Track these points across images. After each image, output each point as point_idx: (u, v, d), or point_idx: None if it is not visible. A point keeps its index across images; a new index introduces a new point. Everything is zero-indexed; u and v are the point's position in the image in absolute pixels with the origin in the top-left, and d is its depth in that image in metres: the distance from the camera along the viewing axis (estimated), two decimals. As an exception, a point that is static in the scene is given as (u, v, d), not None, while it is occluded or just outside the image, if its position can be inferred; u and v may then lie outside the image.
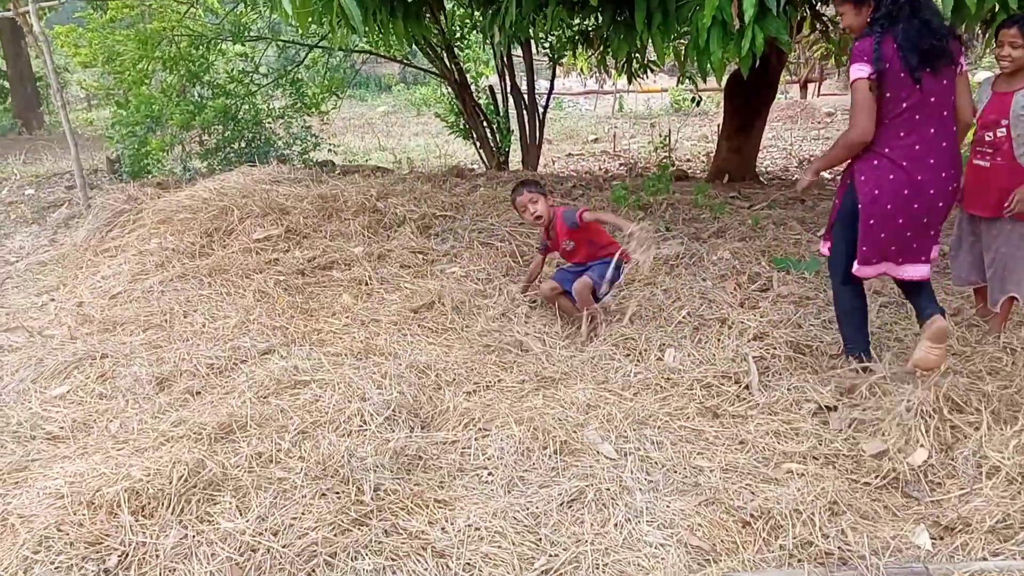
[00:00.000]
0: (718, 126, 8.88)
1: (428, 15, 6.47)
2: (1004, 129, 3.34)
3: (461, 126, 8.79)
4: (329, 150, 9.16)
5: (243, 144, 8.15)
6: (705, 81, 5.83)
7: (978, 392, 3.06)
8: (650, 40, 4.55)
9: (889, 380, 3.11)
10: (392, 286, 4.39)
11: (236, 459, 2.68)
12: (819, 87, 19.30)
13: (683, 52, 4.88)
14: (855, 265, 3.08)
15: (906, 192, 2.92)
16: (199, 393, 3.28)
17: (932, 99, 2.88)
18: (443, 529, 2.38)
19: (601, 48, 6.91)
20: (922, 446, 2.81)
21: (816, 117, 15.57)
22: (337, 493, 2.49)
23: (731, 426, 3.00)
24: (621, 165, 10.75)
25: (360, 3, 4.44)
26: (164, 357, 3.61)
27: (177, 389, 3.32)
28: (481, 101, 8.68)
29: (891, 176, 2.92)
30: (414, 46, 8.20)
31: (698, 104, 9.11)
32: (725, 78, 7.22)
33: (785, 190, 6.87)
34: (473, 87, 8.75)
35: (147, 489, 2.48)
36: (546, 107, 8.76)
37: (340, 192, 5.58)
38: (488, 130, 8.45)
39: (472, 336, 3.78)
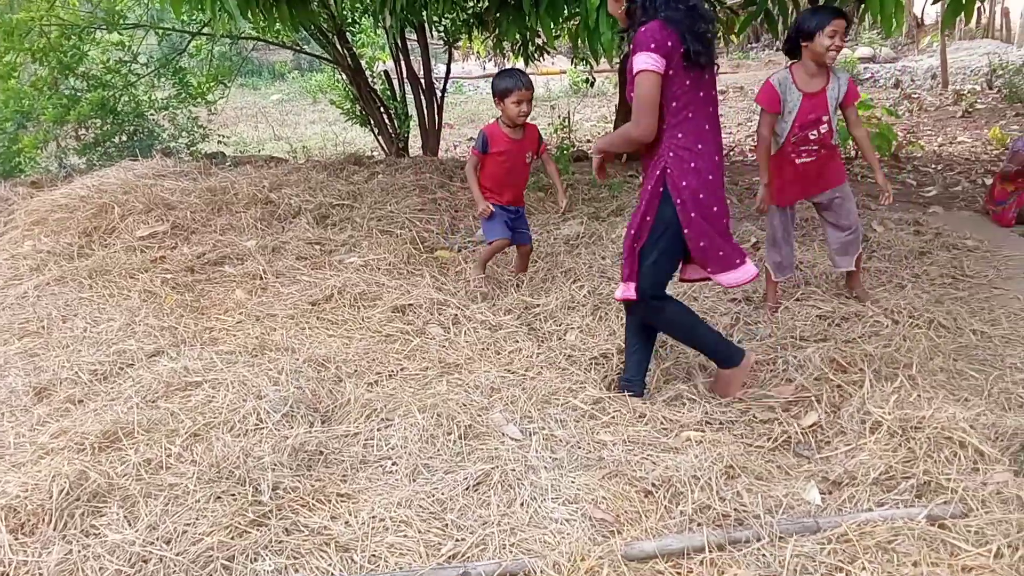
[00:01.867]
0: (615, 106, 9.01)
1: (315, 0, 6.28)
2: (826, 124, 3.55)
3: (357, 113, 8.60)
4: (219, 141, 8.81)
5: (124, 138, 7.74)
6: (599, 62, 5.89)
7: (861, 352, 3.23)
8: (540, 22, 4.55)
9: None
10: (288, 279, 4.25)
11: (123, 468, 2.54)
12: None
13: (574, 33, 4.92)
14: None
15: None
16: (81, 401, 3.09)
17: (706, 95, 2.68)
18: (346, 523, 2.33)
19: (495, 31, 6.88)
20: (812, 409, 2.95)
21: (709, 96, 16.01)
22: (233, 495, 2.40)
23: (632, 400, 3.04)
24: (522, 148, 10.77)
25: (239, -13, 4.26)
26: (42, 366, 3.38)
27: (57, 399, 3.12)
28: (377, 87, 8.52)
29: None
30: (304, 32, 7.97)
31: (592, 86, 9.21)
32: (618, 59, 7.32)
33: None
34: (368, 73, 8.57)
35: (25, 505, 2.32)
36: (443, 91, 8.67)
37: (231, 184, 5.38)
38: (385, 116, 8.30)
39: (373, 326, 3.71)
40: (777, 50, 22.17)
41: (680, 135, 2.66)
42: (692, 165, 2.67)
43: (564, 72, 17.49)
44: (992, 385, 3.04)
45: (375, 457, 2.68)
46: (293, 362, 3.19)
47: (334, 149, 10.78)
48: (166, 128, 8.20)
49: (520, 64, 9.03)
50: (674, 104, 2.63)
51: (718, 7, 6.31)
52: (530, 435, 2.79)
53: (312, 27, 7.45)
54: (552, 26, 4.75)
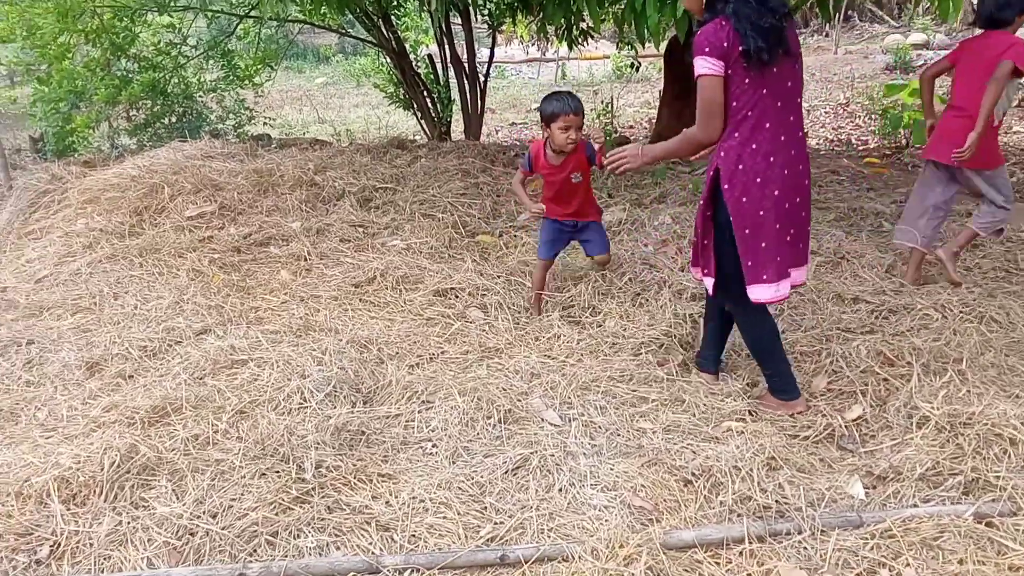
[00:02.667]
0: (659, 92, 8.89)
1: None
2: None
3: (401, 96, 8.62)
4: (265, 123, 8.91)
5: (173, 119, 7.87)
6: (644, 47, 5.82)
7: (909, 346, 3.16)
8: (585, 6, 4.50)
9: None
10: (332, 261, 4.30)
11: (171, 443, 2.61)
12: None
13: (620, 17, 4.86)
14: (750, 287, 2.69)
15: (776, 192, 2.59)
16: (131, 377, 3.18)
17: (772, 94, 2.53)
18: (387, 503, 2.36)
19: (539, 15, 6.83)
20: (857, 402, 2.90)
21: (755, 82, 15.73)
22: (277, 472, 2.45)
23: (673, 387, 3.03)
24: (564, 133, 10.71)
25: (287, -31, 4.29)
26: (94, 341, 3.48)
27: (108, 373, 3.21)
28: (420, 71, 8.52)
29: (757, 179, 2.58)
30: (350, 15, 7.99)
31: (637, 70, 9.10)
32: (664, 43, 7.22)
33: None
34: (412, 56, 8.58)
35: (77, 477, 2.40)
36: (487, 76, 8.64)
37: (276, 166, 5.44)
38: (428, 100, 8.30)
39: (415, 309, 3.74)
40: (826, 35, 21.66)
41: (737, 134, 2.56)
42: (740, 167, 2.57)
43: (607, 57, 17.31)
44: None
45: (416, 439, 2.71)
46: (336, 343, 3.24)
47: (377, 133, 10.84)
48: (214, 110, 8.31)
49: (564, 49, 8.97)
50: (734, 104, 2.53)
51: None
52: (569, 421, 2.80)
53: (358, 10, 7.47)
54: (598, 10, 4.70)
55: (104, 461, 2.45)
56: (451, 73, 8.39)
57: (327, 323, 3.57)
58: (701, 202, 2.76)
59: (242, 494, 2.36)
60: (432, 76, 8.45)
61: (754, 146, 2.55)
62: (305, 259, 4.35)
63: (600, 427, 2.77)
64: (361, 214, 4.84)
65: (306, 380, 2.92)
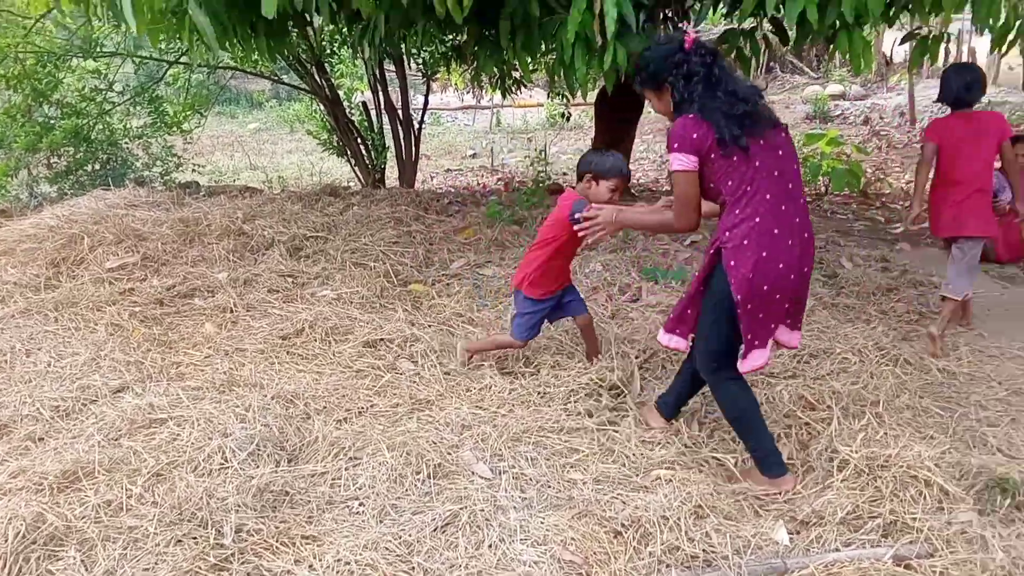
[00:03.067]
0: (591, 140, 9.09)
1: (294, 31, 6.31)
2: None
3: (334, 143, 8.62)
4: (194, 170, 8.77)
5: (97, 166, 7.67)
6: (574, 97, 5.96)
7: (829, 390, 3.26)
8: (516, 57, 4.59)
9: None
10: (259, 312, 4.21)
11: (82, 509, 2.48)
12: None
13: (551, 68, 4.97)
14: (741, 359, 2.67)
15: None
16: (42, 439, 3.02)
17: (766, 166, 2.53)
18: (311, 567, 2.29)
19: (473, 64, 6.95)
20: (783, 445, 2.95)
21: (684, 129, 16.25)
22: (194, 538, 2.35)
23: (604, 436, 3.04)
24: (499, 180, 10.84)
25: (215, 19, 4.26)
26: (2, 402, 3.31)
27: (17, 436, 3.04)
28: (355, 117, 8.55)
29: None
30: (283, 62, 7.99)
31: (568, 120, 9.30)
32: (595, 92, 7.41)
33: (654, 201, 7.11)
34: (346, 103, 8.61)
35: (-23, 550, 2.25)
36: (421, 123, 8.72)
37: (204, 215, 5.34)
38: (362, 147, 8.32)
39: (344, 361, 3.68)
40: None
41: (738, 211, 2.54)
42: (745, 242, 2.53)
43: (542, 104, 17.67)
44: (957, 423, 3.07)
45: (342, 497, 2.64)
46: (261, 398, 3.15)
47: (310, 179, 10.77)
48: (140, 157, 8.15)
49: (497, 97, 9.12)
50: (729, 183, 2.53)
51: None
52: (500, 474, 2.77)
53: (290, 57, 7.48)
54: (529, 61, 4.80)
55: (8, 532, 2.31)
56: (385, 120, 8.44)
57: (252, 378, 3.48)
58: (698, 276, 2.73)
59: (156, 563, 2.25)
60: (366, 123, 8.48)
61: (757, 220, 2.51)
62: (231, 311, 4.25)
63: (531, 479, 2.75)
64: (291, 264, 4.77)
65: (228, 439, 2.82)
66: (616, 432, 3.06)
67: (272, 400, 3.17)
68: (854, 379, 3.37)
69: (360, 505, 2.59)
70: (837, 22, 4.21)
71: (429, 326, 4.00)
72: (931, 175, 3.89)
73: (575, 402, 3.26)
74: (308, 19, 6.40)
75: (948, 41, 4.38)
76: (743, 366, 2.66)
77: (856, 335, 3.81)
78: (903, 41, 5.15)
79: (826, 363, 3.55)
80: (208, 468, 2.69)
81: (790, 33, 4.28)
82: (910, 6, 4.41)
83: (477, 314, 4.09)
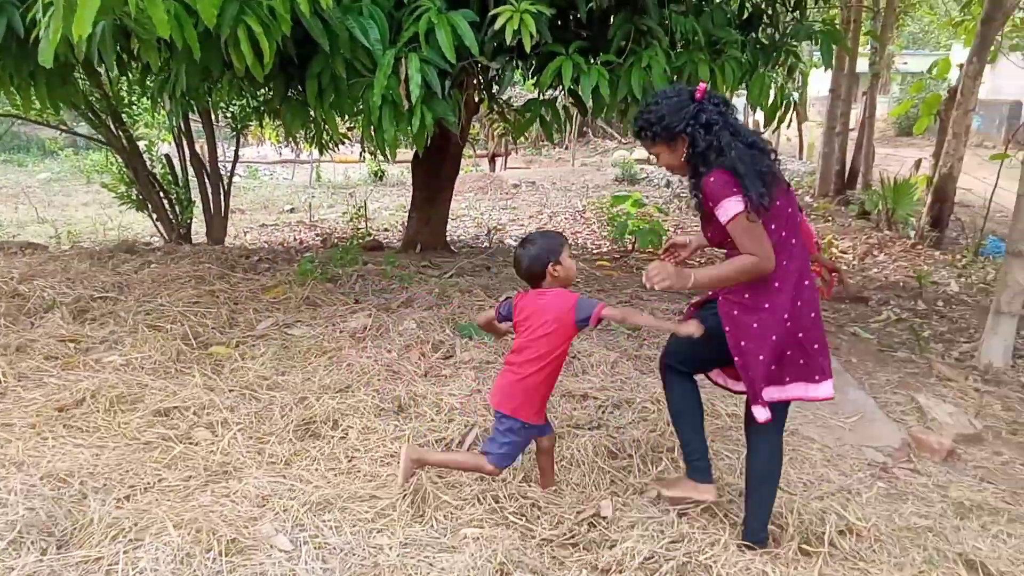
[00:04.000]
0: (411, 197, 9.14)
1: (83, 80, 5.90)
2: None
3: (133, 197, 8.07)
4: (-34, 225, 7.87)
5: None
6: (385, 157, 5.98)
7: (630, 438, 3.41)
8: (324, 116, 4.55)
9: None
10: (33, 382, 3.79)
11: None
12: (506, 161, 20.91)
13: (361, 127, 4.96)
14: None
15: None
16: None
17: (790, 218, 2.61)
18: (75, 670, 2.03)
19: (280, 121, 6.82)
20: (588, 498, 3.03)
21: (504, 188, 16.77)
22: (-71, 650, 2.02)
23: (413, 498, 2.97)
24: (317, 235, 10.60)
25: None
26: None
27: None
28: (157, 170, 8.07)
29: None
30: (75, 111, 7.41)
31: (381, 179, 9.32)
32: (413, 151, 7.49)
33: (473, 258, 7.25)
34: (148, 155, 8.11)
35: None
36: (231, 176, 8.39)
37: (-29, 275, 4.78)
38: (165, 201, 7.85)
39: (131, 432, 3.37)
40: (566, 148, 23.85)
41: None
42: (749, 304, 2.59)
43: (363, 160, 17.63)
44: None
45: (118, 585, 2.39)
46: (26, 480, 2.81)
47: (111, 234, 10.00)
48: None
49: (315, 152, 8.97)
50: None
51: (505, 110, 6.70)
52: (301, 545, 2.63)
53: (82, 106, 6.96)
54: (339, 120, 4.78)
55: None
56: (192, 173, 8.04)
57: (20, 456, 3.10)
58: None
59: None
60: (170, 176, 8.03)
61: (776, 284, 2.56)
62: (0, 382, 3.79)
63: (334, 548, 2.63)
64: (73, 327, 4.35)
65: (-18, 528, 2.48)
66: (426, 493, 3.01)
67: (41, 480, 2.84)
68: (652, 427, 3.56)
69: (139, 593, 2.36)
70: (629, 97, 4.56)
71: (230, 391, 3.78)
72: None
73: (385, 465, 3.19)
74: (95, 69, 6.02)
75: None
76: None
77: (655, 385, 4.02)
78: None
79: (628, 413, 3.72)
80: (-46, 565, 2.34)
81: (588, 105, 4.57)
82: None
83: (282, 378, 3.92)
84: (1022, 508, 3.29)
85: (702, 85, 2.62)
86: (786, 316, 2.57)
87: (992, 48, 9.59)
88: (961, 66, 9.58)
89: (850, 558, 2.75)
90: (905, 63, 26.66)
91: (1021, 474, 3.72)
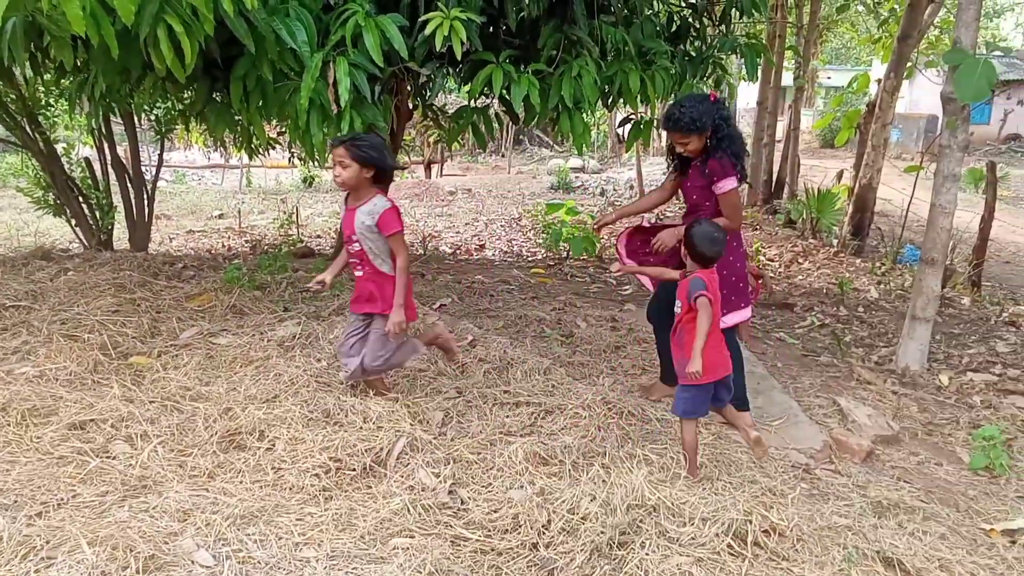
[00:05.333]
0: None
1: (-2, 78, 5.64)
2: (358, 243, 3.53)
3: (51, 202, 7.73)
4: None
5: None
6: (315, 161, 5.89)
7: (561, 445, 3.42)
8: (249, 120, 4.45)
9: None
10: (-65, 396, 3.58)
11: None
12: (441, 168, 20.88)
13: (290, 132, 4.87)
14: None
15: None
16: None
17: None
18: None
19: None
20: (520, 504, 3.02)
21: (440, 195, 16.74)
22: None
23: (343, 507, 2.92)
24: (246, 242, 10.36)
25: None
26: None
27: None
28: (76, 174, 7.75)
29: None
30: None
31: (311, 185, 9.18)
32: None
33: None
34: (66, 159, 7.78)
35: None
36: (155, 181, 8.13)
37: None
38: (85, 206, 7.55)
39: (44, 447, 3.21)
40: (503, 156, 23.95)
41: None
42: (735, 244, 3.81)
43: (295, 165, 17.33)
44: (678, 464, 3.35)
45: (26, 608, 2.27)
46: (-75, 500, 2.65)
47: (27, 240, 9.57)
48: None
49: (244, 157, 8.78)
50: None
51: (440, 117, 6.68)
52: (223, 560, 2.55)
53: (-6, 107, 6.66)
54: (266, 124, 4.68)
55: None
56: (113, 178, 7.76)
57: (-81, 475, 2.92)
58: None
59: None
60: (90, 180, 7.72)
61: (735, 244, 3.80)
62: (-103, 396, 3.57)
63: (258, 562, 2.56)
64: (-18, 338, 4.13)
65: None
66: (356, 505, 2.96)
67: (-58, 500, 2.68)
68: (583, 432, 3.58)
69: (48, 615, 2.24)
70: (560, 105, 4.60)
71: (151, 402, 3.64)
72: None
73: (313, 476, 3.12)
74: (10, 71, 5.76)
75: (658, 128, 5.01)
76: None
77: (586, 391, 4.06)
78: (620, 124, 5.76)
79: (560, 419, 3.74)
80: None
81: (519, 113, 4.59)
82: (622, 96, 4.94)
83: (206, 388, 3.80)
84: (936, 506, 3.44)
85: (713, 92, 3.86)
86: (732, 258, 3.75)
87: (908, 64, 10.04)
88: (879, 81, 10.01)
89: (774, 558, 2.82)
90: (828, 77, 27.69)
91: (936, 473, 3.89)
